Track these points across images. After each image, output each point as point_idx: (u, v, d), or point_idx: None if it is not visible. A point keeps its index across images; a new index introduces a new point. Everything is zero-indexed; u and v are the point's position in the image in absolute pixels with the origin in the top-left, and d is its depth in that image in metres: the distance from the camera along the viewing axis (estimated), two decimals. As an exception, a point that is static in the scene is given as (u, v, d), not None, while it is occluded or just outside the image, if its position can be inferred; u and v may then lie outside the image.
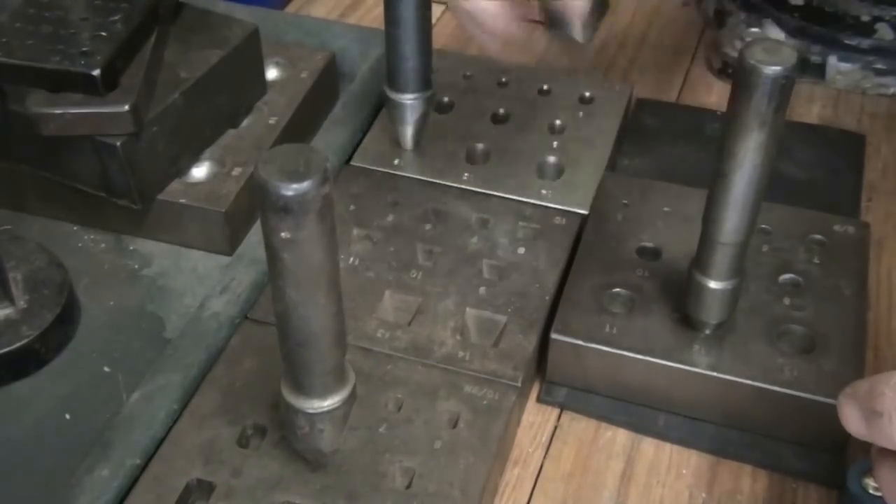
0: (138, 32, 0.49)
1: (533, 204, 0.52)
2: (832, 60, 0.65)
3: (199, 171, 0.52)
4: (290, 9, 0.73)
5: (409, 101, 0.54)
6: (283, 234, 0.32)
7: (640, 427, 0.46)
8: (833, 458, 0.44)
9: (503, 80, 0.60)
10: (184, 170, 0.52)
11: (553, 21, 0.52)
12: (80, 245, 0.52)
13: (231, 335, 0.46)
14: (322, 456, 0.40)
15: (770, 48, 0.39)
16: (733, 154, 0.41)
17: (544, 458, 0.45)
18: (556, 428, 0.46)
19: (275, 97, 0.56)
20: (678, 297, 0.46)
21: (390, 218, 0.52)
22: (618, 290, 0.47)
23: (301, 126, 0.57)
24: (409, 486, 0.40)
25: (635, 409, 0.46)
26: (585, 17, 0.46)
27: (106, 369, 0.46)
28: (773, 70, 0.38)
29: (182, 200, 0.51)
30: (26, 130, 0.47)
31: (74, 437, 0.44)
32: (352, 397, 0.39)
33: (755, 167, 0.41)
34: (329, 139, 0.57)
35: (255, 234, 0.51)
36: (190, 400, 0.43)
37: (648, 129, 0.60)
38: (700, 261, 0.43)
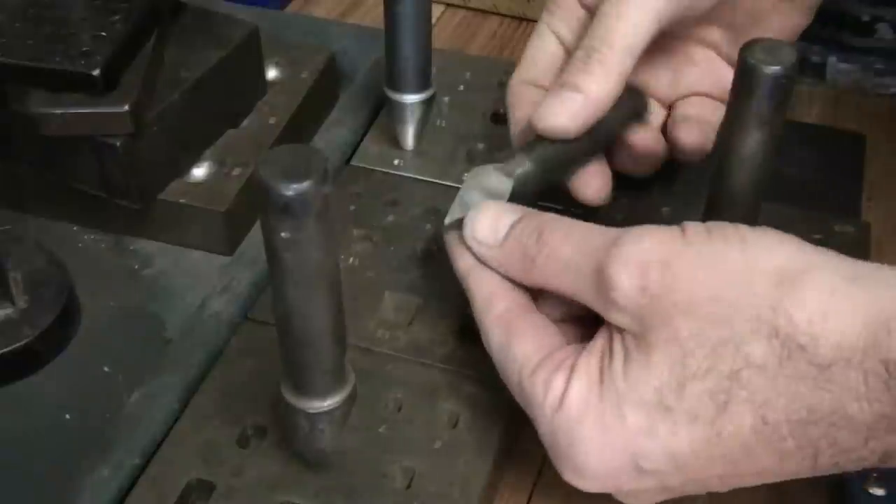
0: (138, 32, 0.49)
1: (533, 204, 0.52)
2: (832, 60, 0.65)
3: (199, 171, 0.52)
4: (290, 9, 0.73)
5: (409, 101, 0.54)
6: (283, 234, 0.32)
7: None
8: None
9: (503, 79, 0.60)
10: (184, 170, 0.52)
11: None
12: (80, 245, 0.52)
13: (231, 335, 0.46)
14: (322, 456, 0.40)
15: (770, 47, 0.39)
16: (733, 154, 0.41)
17: (544, 458, 0.45)
18: (556, 428, 0.46)
19: (275, 97, 0.56)
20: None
21: (390, 218, 0.52)
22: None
23: (301, 126, 0.57)
24: (409, 486, 0.40)
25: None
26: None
27: (106, 369, 0.46)
28: (773, 70, 0.38)
29: (182, 200, 0.51)
30: (26, 130, 0.47)
31: (74, 437, 0.44)
32: (352, 397, 0.39)
33: (755, 167, 0.41)
34: (329, 139, 0.57)
35: (255, 234, 0.51)
36: (190, 400, 0.43)
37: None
38: (700, 261, 0.43)
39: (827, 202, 0.54)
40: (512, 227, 0.40)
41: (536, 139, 0.45)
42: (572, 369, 0.37)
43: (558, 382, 0.37)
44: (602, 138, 0.46)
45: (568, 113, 0.44)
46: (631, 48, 0.44)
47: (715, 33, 0.50)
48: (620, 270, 0.35)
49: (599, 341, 0.37)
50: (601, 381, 0.36)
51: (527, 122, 0.47)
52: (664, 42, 0.48)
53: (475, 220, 0.41)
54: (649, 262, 0.35)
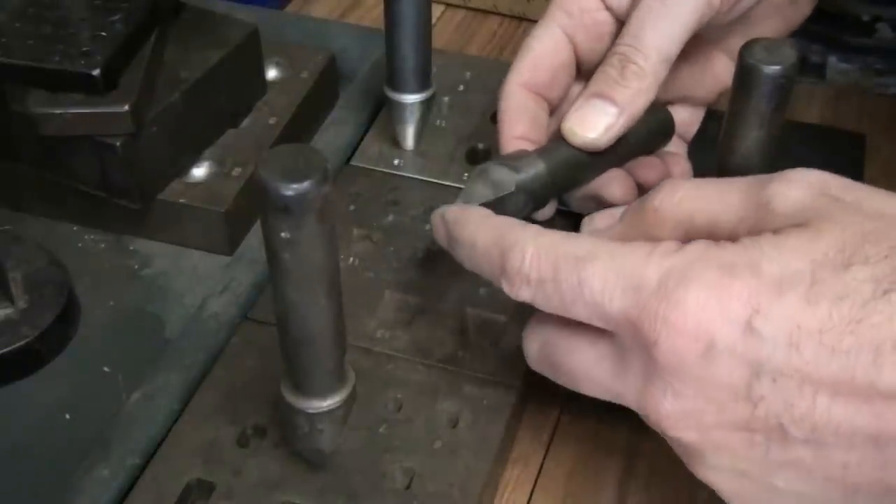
0: (138, 32, 0.49)
1: (533, 204, 0.52)
2: (832, 60, 0.65)
3: (199, 171, 0.52)
4: (290, 9, 0.73)
5: (409, 101, 0.54)
6: (283, 234, 0.32)
7: (640, 426, 0.46)
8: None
9: (503, 79, 0.60)
10: (184, 170, 0.52)
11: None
12: (80, 245, 0.52)
13: (231, 335, 0.46)
14: (322, 456, 0.40)
15: (770, 47, 0.39)
16: (733, 154, 0.41)
17: (544, 457, 0.45)
18: (556, 428, 0.46)
19: (275, 97, 0.56)
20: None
21: (390, 218, 0.52)
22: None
23: (301, 126, 0.57)
24: (409, 486, 0.40)
25: (635, 408, 0.46)
26: None
27: (106, 369, 0.46)
28: (772, 69, 0.38)
29: (182, 200, 0.51)
30: (26, 130, 0.47)
31: (74, 437, 0.44)
32: (352, 397, 0.39)
33: (754, 167, 0.41)
34: (329, 139, 0.57)
35: (255, 234, 0.51)
36: (190, 400, 0.43)
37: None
38: (700, 261, 0.43)
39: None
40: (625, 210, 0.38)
41: (553, 143, 0.45)
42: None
43: (671, 243, 0.33)
44: (625, 154, 0.46)
45: (601, 126, 0.43)
46: (667, 58, 0.43)
47: (734, 42, 0.48)
48: (792, 183, 0.33)
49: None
50: (738, 241, 0.33)
51: (519, 138, 0.46)
52: (686, 47, 0.47)
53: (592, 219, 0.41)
54: (826, 176, 0.33)
